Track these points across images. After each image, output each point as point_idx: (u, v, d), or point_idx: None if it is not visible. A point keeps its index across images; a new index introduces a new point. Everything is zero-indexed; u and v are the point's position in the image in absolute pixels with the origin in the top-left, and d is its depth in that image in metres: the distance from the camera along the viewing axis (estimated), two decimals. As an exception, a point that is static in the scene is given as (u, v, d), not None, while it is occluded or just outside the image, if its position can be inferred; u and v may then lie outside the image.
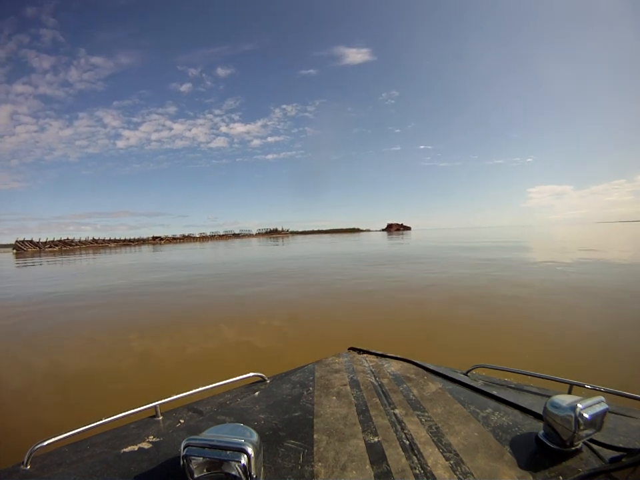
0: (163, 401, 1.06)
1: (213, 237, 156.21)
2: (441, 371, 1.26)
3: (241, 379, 1.20)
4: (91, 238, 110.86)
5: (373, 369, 1.32)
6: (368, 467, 0.75)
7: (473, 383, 1.16)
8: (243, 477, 0.60)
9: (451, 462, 0.75)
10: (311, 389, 1.17)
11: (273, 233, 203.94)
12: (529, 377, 1.20)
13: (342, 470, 0.74)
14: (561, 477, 0.70)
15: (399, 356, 1.46)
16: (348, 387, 1.16)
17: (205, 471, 0.62)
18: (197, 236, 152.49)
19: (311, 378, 1.26)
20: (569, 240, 28.30)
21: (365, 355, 1.51)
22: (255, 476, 0.62)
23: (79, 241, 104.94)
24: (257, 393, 1.17)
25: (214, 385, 1.15)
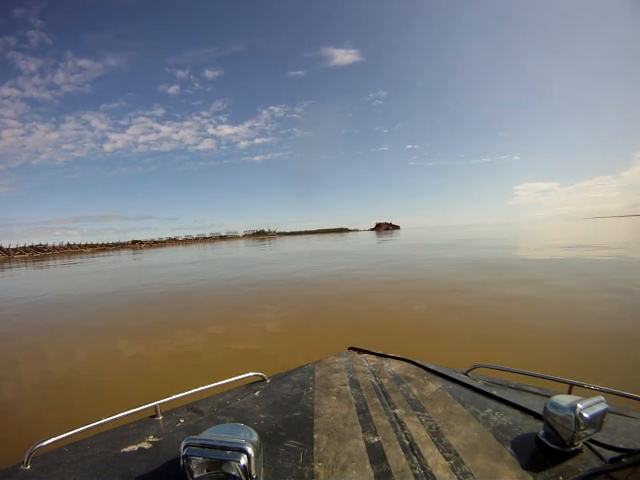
0: (163, 400, 1.06)
1: (197, 240, 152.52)
2: (441, 371, 1.26)
3: (240, 379, 1.20)
4: (65, 243, 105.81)
5: (373, 369, 1.32)
6: (368, 466, 0.75)
7: (472, 383, 1.15)
8: (242, 476, 0.60)
9: (451, 462, 0.75)
10: (310, 388, 1.16)
11: (259, 235, 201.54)
12: (529, 376, 1.18)
13: (342, 470, 0.74)
14: (561, 477, 0.70)
15: (399, 356, 1.45)
16: (348, 387, 1.15)
17: (204, 471, 0.62)
18: (181, 239, 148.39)
19: (311, 378, 1.26)
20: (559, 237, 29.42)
21: (365, 355, 1.50)
22: (254, 476, 0.61)
23: (52, 247, 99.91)
24: (256, 393, 1.16)
25: (214, 384, 1.14)
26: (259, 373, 1.26)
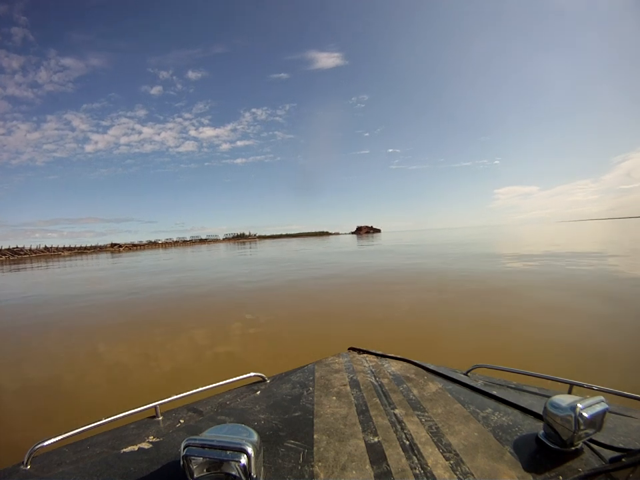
0: (163, 401, 1.06)
1: (177, 243, 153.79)
2: (440, 371, 1.27)
3: (241, 379, 1.21)
4: (42, 246, 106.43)
5: (373, 369, 1.33)
6: (368, 467, 0.75)
7: (472, 383, 1.16)
8: (242, 477, 0.60)
9: (451, 462, 0.75)
10: (311, 389, 1.17)
11: (240, 238, 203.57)
12: (529, 376, 1.20)
13: (342, 470, 0.74)
14: (561, 477, 0.70)
15: (398, 356, 1.46)
16: (348, 387, 1.16)
17: (204, 471, 0.62)
18: (161, 242, 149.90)
19: (311, 378, 1.27)
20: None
21: (365, 355, 1.51)
22: (254, 476, 0.62)
23: (30, 250, 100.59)
24: (257, 393, 1.17)
25: (214, 385, 1.15)
26: (259, 374, 1.27)
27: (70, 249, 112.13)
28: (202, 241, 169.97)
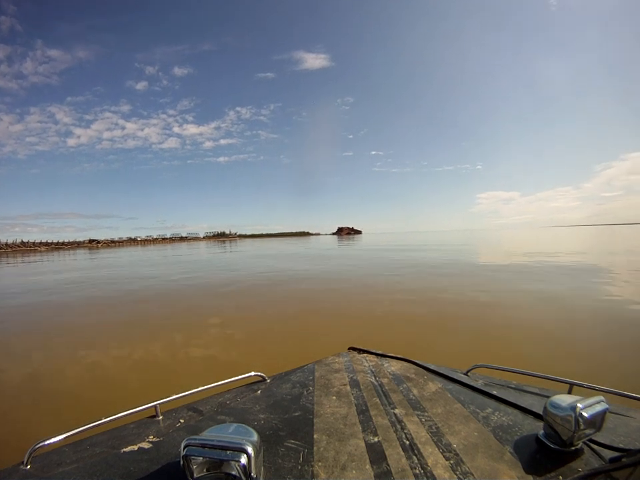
0: (163, 400, 1.06)
1: (157, 241, 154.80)
2: (440, 371, 1.27)
3: (241, 379, 1.21)
4: (19, 240, 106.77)
5: (373, 369, 1.33)
6: (368, 466, 0.75)
7: (472, 383, 1.16)
8: (242, 476, 0.60)
9: (451, 462, 0.75)
10: (311, 388, 1.17)
11: (220, 237, 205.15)
12: (529, 376, 1.20)
13: (342, 470, 0.74)
14: (561, 477, 0.70)
15: (399, 356, 1.46)
16: (348, 387, 1.16)
17: (204, 470, 0.62)
18: (140, 239, 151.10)
19: (311, 378, 1.27)
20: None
21: (365, 355, 1.51)
22: (254, 476, 0.62)
23: (6, 244, 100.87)
24: (257, 393, 1.17)
25: (214, 384, 1.15)
26: (259, 373, 1.27)
27: (47, 244, 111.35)
28: (182, 239, 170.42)
